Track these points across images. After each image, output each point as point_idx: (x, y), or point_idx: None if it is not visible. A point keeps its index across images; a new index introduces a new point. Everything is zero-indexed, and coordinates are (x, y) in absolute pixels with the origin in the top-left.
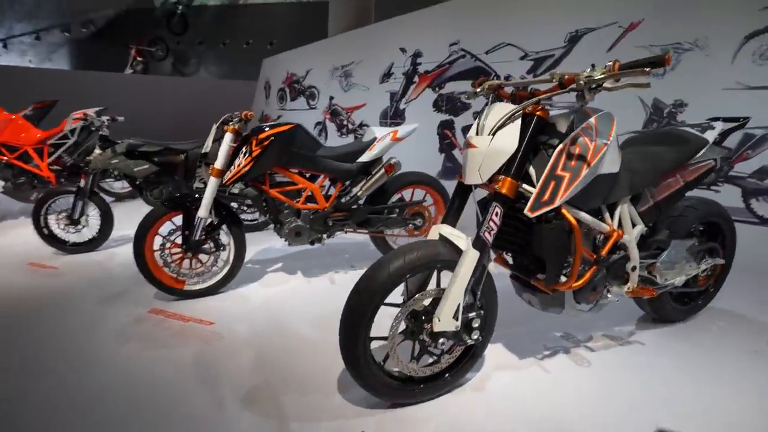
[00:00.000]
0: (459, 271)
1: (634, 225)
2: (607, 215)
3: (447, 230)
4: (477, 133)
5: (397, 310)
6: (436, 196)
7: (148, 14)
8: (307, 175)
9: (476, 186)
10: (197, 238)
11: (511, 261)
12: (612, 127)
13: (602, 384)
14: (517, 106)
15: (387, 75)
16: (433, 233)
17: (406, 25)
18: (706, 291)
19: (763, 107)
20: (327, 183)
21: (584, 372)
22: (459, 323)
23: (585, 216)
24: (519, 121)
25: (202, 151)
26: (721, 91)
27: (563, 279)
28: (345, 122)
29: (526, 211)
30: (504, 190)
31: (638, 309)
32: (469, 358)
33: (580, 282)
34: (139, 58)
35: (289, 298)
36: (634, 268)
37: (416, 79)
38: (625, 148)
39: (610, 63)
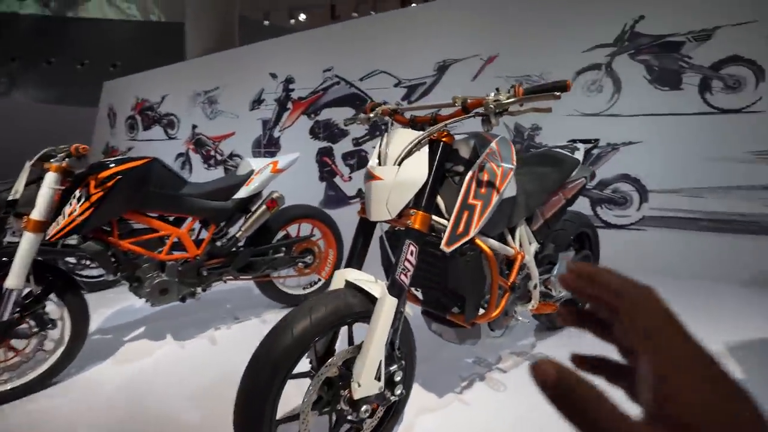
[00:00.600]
0: (377, 323)
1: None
2: (509, 238)
3: (354, 275)
4: (380, 163)
5: (305, 381)
6: (325, 229)
7: None
8: (171, 219)
9: (383, 221)
10: (5, 318)
11: (421, 297)
12: (512, 150)
13: (522, 406)
14: (421, 132)
15: (257, 101)
16: (338, 280)
17: (276, 49)
18: None
19: (595, 130)
20: (197, 226)
21: (503, 397)
22: (382, 383)
23: (494, 243)
24: (426, 149)
25: (9, 198)
26: (565, 117)
27: (481, 311)
28: (212, 153)
29: (442, 245)
30: (417, 225)
31: (533, 321)
32: (392, 415)
33: (497, 311)
34: None
35: (157, 372)
36: (535, 286)
37: (290, 105)
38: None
39: (514, 87)
